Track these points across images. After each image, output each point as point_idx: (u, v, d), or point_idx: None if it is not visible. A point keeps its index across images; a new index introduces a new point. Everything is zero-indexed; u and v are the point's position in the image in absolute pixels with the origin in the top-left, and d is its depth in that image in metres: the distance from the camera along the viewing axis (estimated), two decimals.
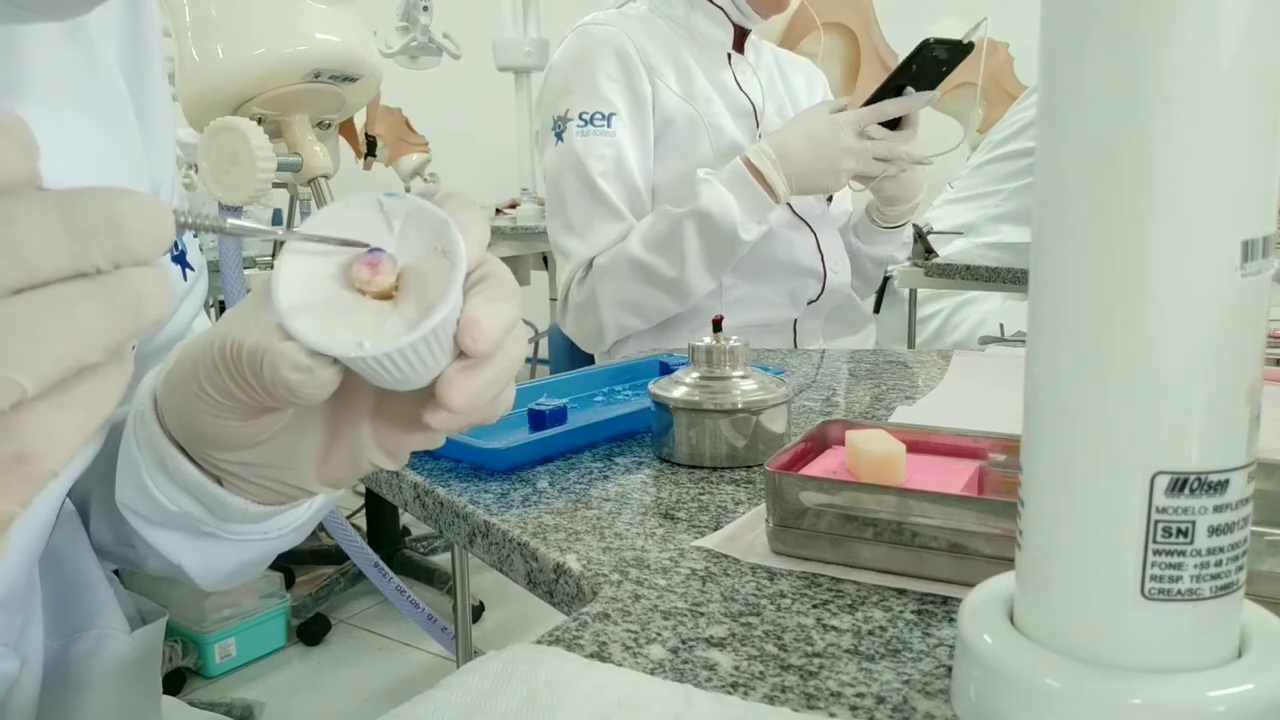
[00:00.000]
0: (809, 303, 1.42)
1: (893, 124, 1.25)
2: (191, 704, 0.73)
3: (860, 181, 1.30)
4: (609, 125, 1.32)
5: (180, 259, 0.61)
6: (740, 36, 1.42)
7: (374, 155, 2.83)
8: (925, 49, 1.18)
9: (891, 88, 1.23)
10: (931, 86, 1.24)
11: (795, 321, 1.44)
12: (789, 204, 1.36)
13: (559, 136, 1.34)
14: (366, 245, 0.36)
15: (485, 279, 0.38)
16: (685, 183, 1.29)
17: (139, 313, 0.27)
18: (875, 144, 1.23)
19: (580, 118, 1.32)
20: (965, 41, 1.20)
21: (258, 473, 0.45)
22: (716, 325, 0.74)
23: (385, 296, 0.36)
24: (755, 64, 1.45)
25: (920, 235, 1.76)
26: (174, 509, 0.48)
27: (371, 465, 0.43)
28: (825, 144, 1.22)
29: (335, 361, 0.36)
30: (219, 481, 0.46)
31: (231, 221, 0.33)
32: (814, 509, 0.52)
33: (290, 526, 0.52)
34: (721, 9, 1.39)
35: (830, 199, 1.45)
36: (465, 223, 0.37)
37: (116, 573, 0.66)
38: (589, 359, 1.48)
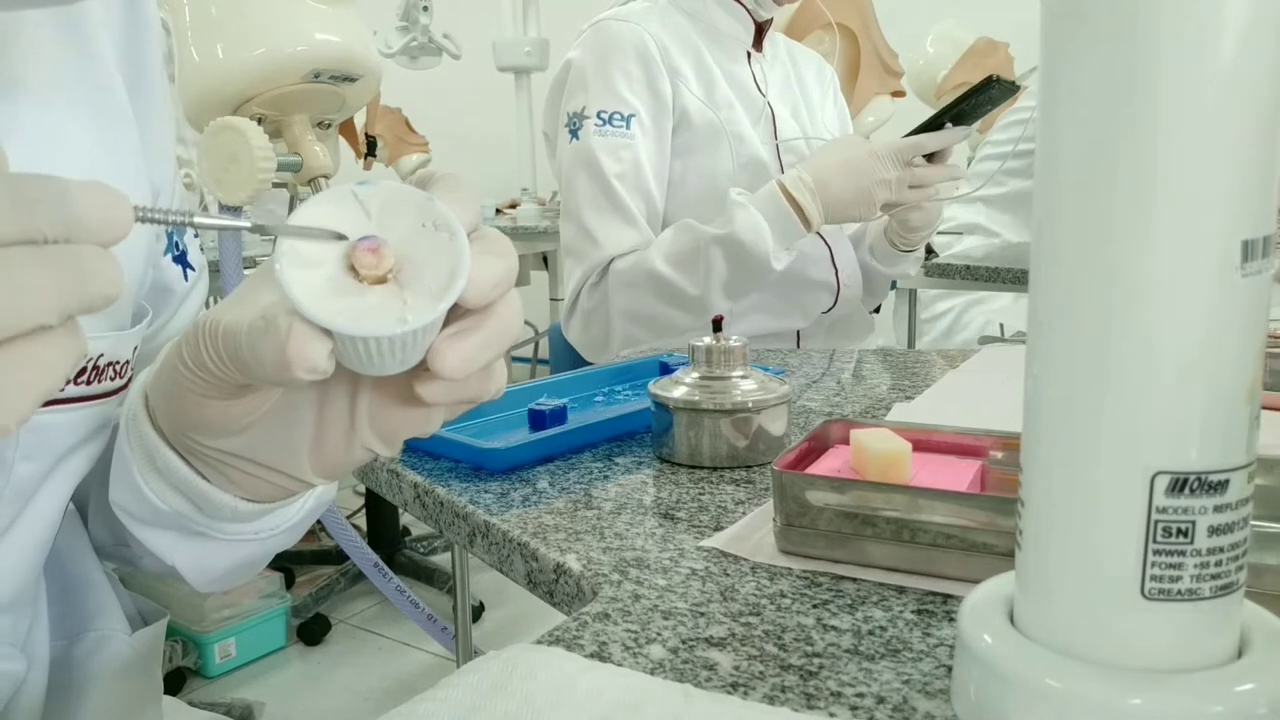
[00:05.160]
0: (822, 313, 1.41)
1: (930, 155, 1.24)
2: (191, 704, 0.73)
3: (885, 210, 1.29)
4: (627, 127, 1.28)
5: (181, 259, 0.61)
6: (759, 34, 1.40)
7: (374, 155, 2.83)
8: (988, 85, 1.18)
9: (937, 119, 1.23)
10: (972, 121, 1.24)
11: (799, 333, 1.42)
12: None
13: (574, 134, 1.30)
14: (334, 233, 0.36)
15: (481, 238, 0.38)
16: (707, 192, 1.28)
17: (84, 281, 0.29)
18: (914, 172, 1.21)
19: (598, 116, 1.28)
20: (1020, 85, 1.20)
21: (250, 464, 0.44)
22: (716, 325, 0.74)
23: (380, 281, 0.36)
24: (771, 61, 1.43)
25: None
26: (164, 508, 0.48)
27: (366, 451, 0.43)
28: (864, 175, 1.19)
29: (331, 352, 0.36)
30: (212, 478, 0.46)
31: (197, 219, 0.33)
32: (822, 508, 0.52)
33: (282, 527, 0.51)
34: (742, 4, 1.36)
35: None
36: (455, 201, 0.37)
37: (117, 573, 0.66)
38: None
